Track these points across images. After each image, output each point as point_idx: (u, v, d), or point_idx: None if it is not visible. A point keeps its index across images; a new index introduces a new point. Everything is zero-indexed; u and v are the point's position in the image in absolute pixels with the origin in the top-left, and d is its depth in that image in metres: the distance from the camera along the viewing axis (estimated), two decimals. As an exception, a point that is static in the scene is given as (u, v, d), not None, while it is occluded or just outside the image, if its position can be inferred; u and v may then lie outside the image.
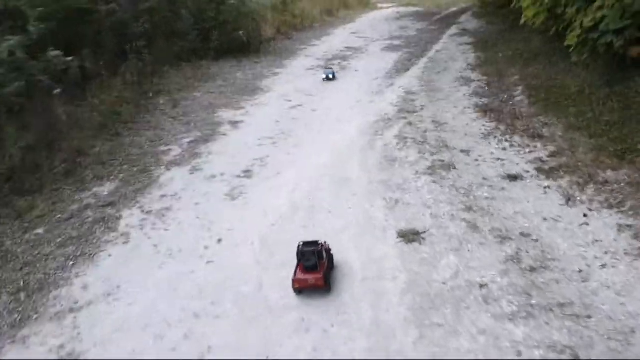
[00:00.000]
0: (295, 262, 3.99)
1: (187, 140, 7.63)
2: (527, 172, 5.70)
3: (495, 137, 6.72)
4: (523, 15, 9.61)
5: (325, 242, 4.03)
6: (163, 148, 7.32)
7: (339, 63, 12.74)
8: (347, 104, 9.05)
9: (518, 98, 8.15)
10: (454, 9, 24.41)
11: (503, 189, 5.39)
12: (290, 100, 9.69)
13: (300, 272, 3.83)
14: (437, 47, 13.70)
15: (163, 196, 5.81)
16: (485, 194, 5.27)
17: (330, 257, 4.03)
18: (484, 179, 5.62)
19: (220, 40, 13.48)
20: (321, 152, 6.79)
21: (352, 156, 6.54)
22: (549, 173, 5.57)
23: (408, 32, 17.14)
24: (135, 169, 6.56)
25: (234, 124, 8.40)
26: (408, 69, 11.22)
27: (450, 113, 7.80)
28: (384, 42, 15.16)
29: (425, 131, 7.08)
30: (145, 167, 6.62)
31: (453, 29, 16.74)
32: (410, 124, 7.42)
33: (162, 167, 6.61)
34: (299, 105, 9.32)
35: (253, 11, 15.43)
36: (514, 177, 5.56)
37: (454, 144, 6.59)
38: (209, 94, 10.35)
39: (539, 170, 5.69)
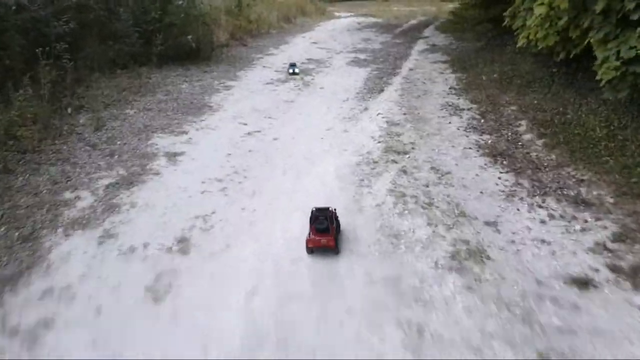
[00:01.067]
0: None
1: (105, 182, 5.45)
2: (597, 270, 3.75)
3: (521, 199, 4.86)
4: (520, 37, 7.96)
5: (334, 209, 4.26)
6: (68, 195, 5.12)
7: (302, 78, 10.75)
8: (315, 131, 7.09)
9: (526, 137, 6.42)
10: (414, 21, 22.97)
11: (576, 307, 3.39)
12: (245, 124, 7.64)
13: (313, 234, 4.00)
14: (408, 64, 11.94)
15: (46, 294, 3.62)
16: (555, 320, 3.26)
17: (338, 222, 4.20)
18: (539, 282, 3.65)
19: (164, 44, 11.18)
20: (291, 212, 4.78)
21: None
22: (634, 278, 3.67)
23: (372, 44, 15.35)
24: (16, 233, 4.34)
25: (172, 157, 6.27)
26: (382, 90, 9.37)
27: (450, 155, 5.96)
28: (348, 55, 13.29)
29: (427, 184, 5.18)
30: (32, 230, 4.41)
31: (421, 44, 15.13)
32: (404, 171, 5.51)
33: (59, 231, 4.42)
34: (257, 132, 7.29)
35: (204, 14, 13.20)
36: (582, 283, 3.62)
37: (472, 209, 4.69)
38: (146, 111, 8.13)
39: (614, 270, 3.74)
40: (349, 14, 26.49)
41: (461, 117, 7.36)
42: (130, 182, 5.45)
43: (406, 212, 4.57)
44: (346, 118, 7.77)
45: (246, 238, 4.35)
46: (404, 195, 4.91)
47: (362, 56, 13.07)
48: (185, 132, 7.24)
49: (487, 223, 4.41)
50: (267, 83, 10.28)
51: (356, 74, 10.92)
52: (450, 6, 21.45)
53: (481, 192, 4.99)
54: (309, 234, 4.04)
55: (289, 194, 5.18)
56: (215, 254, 4.14)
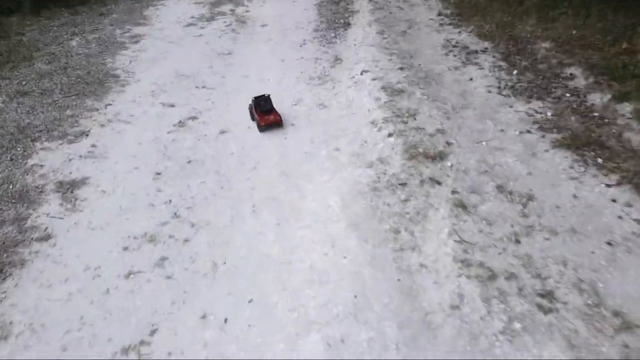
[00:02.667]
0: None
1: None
2: None
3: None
4: None
5: (269, 95, 4.58)
6: None
7: (231, 10, 7.90)
8: (279, 107, 4.66)
9: (595, 98, 4.28)
10: None
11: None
12: (172, 105, 5.08)
13: (261, 115, 4.45)
14: None
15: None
16: None
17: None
18: None
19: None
20: (297, 330, 2.58)
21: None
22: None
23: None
24: None
25: (69, 191, 3.78)
26: (348, 23, 6.81)
27: (508, 152, 3.60)
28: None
29: (513, 236, 2.89)
30: None
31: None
32: (462, 206, 3.11)
33: None
34: (192, 118, 4.79)
35: None
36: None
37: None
38: (20, 97, 5.30)
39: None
40: None
41: (481, 67, 5.07)
42: (-5, 278, 2.99)
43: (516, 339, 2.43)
44: (314, 79, 5.35)
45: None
46: (493, 277, 2.68)
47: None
48: (86, 133, 4.62)
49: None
50: (188, 25, 7.40)
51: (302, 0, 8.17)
52: None
53: (609, 243, 2.86)
54: (258, 117, 4.45)
55: (278, 277, 2.91)
56: None
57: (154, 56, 6.37)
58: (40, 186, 3.86)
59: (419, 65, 5.14)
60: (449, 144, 3.71)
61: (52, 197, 3.74)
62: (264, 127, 4.43)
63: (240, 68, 5.89)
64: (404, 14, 6.77)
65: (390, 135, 3.86)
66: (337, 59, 5.70)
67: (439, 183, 3.29)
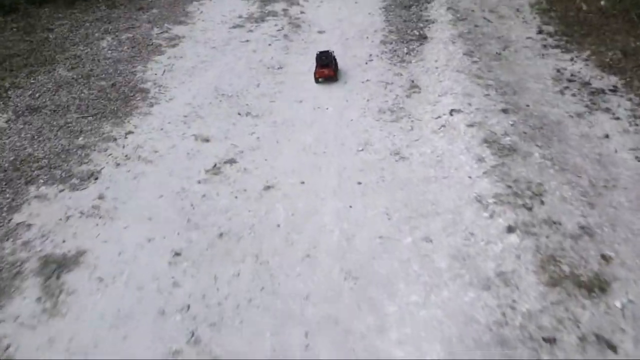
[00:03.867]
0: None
1: None
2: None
3: None
4: None
5: (333, 51, 4.77)
6: None
7: (284, 10, 6.60)
8: (345, 161, 3.42)
9: None
10: None
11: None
12: (207, 139, 3.87)
13: (319, 68, 4.60)
14: None
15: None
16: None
17: (336, 62, 4.72)
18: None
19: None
20: None
21: None
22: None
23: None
24: None
25: (57, 275, 2.66)
26: (424, 36, 5.37)
27: None
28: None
29: None
30: None
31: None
32: None
33: None
34: (230, 162, 3.57)
35: None
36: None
37: None
38: (27, 115, 4.22)
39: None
40: None
41: (616, 116, 3.57)
42: None
43: None
44: (385, 112, 4.03)
45: None
46: None
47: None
48: (95, 175, 3.48)
49: None
50: (235, 26, 6.15)
51: (365, 1, 6.76)
52: None
53: None
54: (315, 69, 4.67)
55: None
56: None
57: (192, 65, 5.18)
58: (19, 263, 2.74)
59: (528, 106, 3.72)
60: (606, 258, 2.35)
61: (30, 283, 2.62)
62: (318, 79, 4.64)
63: (292, 90, 4.62)
64: (493, 28, 5.28)
65: (510, 230, 2.53)
66: (414, 86, 4.34)
67: (612, 348, 1.95)
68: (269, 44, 5.63)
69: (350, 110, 4.16)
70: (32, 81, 4.84)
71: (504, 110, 3.57)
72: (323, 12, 6.56)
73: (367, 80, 4.65)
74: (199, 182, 3.37)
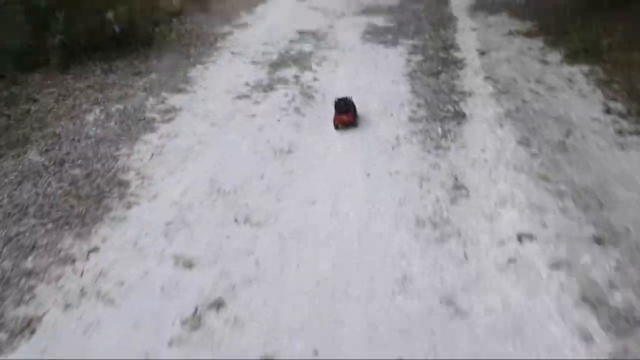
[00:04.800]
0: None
1: None
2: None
3: None
4: None
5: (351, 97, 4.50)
6: None
7: (295, 77, 5.73)
8: (365, 297, 2.42)
9: None
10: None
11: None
12: (190, 264, 2.85)
13: (337, 114, 4.39)
14: (464, 37, 6.60)
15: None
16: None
17: (355, 107, 4.48)
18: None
19: (68, 30, 6.07)
20: None
21: None
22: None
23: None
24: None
25: None
26: (461, 113, 4.40)
27: None
28: (357, 20, 8.03)
29: None
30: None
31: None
32: None
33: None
34: (216, 306, 2.55)
35: None
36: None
37: None
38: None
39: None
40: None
41: None
42: None
43: None
44: (424, 225, 3.01)
45: None
46: None
47: (378, 21, 7.83)
48: (32, 326, 2.47)
49: None
50: (240, 96, 5.28)
51: (387, 65, 5.90)
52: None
53: None
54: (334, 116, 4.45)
55: None
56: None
57: (186, 147, 4.25)
58: None
59: (628, 230, 2.66)
60: None
61: None
62: (337, 125, 4.42)
63: (303, 183, 3.64)
64: (545, 104, 4.29)
65: None
66: (459, 186, 3.32)
67: None
68: (278, 119, 4.71)
69: (377, 219, 3.14)
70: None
71: (597, 240, 2.52)
72: (338, 78, 5.68)
73: (396, 172, 3.66)
74: (170, 343, 2.34)
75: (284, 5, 9.78)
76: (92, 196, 3.57)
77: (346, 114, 4.38)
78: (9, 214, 3.40)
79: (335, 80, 5.61)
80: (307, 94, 5.27)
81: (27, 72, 5.83)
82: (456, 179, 3.41)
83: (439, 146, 3.91)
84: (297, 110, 4.88)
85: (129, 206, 3.46)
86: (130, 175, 3.85)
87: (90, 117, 4.88)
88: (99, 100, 5.27)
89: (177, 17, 8.71)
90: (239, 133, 4.51)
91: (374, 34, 7.17)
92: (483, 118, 4.11)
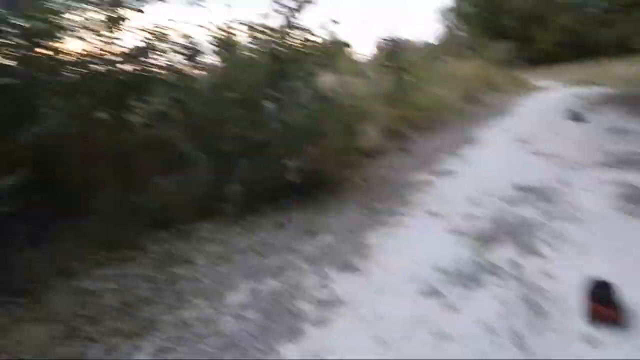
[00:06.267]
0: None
1: None
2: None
3: None
4: None
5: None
6: None
7: (514, 264, 3.75)
8: None
9: None
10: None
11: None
12: None
13: (593, 303, 3.19)
14: None
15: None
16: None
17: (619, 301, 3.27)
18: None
19: (248, 178, 5.43)
20: None
21: None
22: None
23: (638, 143, 7.44)
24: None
25: None
26: None
27: None
28: (604, 176, 5.75)
29: None
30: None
31: None
32: None
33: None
34: None
35: (338, 111, 6.75)
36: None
37: None
38: None
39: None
40: (554, 82, 18.25)
41: None
42: None
43: None
44: None
45: None
46: None
47: (638, 181, 5.42)
48: None
49: None
50: (425, 292, 3.56)
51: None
52: None
53: None
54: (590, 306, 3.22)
55: None
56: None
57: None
58: None
59: None
60: None
61: None
62: (594, 319, 3.12)
63: None
64: None
65: None
66: None
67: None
68: (483, 352, 2.78)
69: None
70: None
71: None
72: (584, 272, 3.49)
73: None
74: None
75: (498, 146, 8.07)
76: None
77: (607, 307, 3.13)
78: None
79: (579, 277, 3.46)
80: (534, 303, 3.25)
81: (197, 221, 5.26)
82: None
83: None
84: (516, 336, 2.88)
85: None
86: None
87: (233, 298, 3.75)
88: (254, 270, 4.18)
89: (372, 158, 7.77)
90: (416, 374, 2.71)
91: (635, 201, 4.80)
92: None
